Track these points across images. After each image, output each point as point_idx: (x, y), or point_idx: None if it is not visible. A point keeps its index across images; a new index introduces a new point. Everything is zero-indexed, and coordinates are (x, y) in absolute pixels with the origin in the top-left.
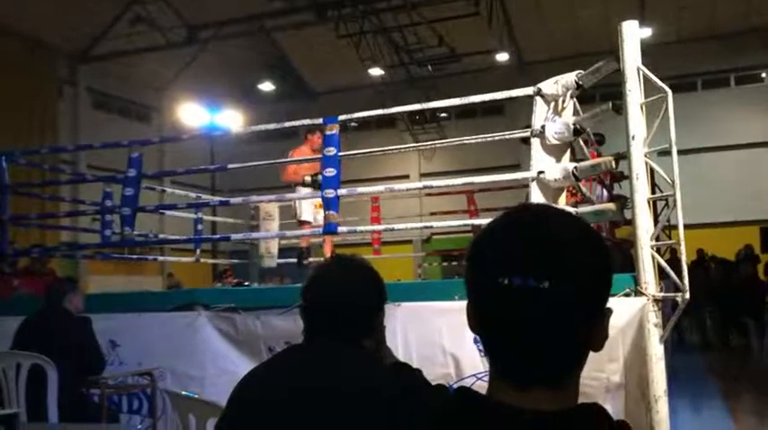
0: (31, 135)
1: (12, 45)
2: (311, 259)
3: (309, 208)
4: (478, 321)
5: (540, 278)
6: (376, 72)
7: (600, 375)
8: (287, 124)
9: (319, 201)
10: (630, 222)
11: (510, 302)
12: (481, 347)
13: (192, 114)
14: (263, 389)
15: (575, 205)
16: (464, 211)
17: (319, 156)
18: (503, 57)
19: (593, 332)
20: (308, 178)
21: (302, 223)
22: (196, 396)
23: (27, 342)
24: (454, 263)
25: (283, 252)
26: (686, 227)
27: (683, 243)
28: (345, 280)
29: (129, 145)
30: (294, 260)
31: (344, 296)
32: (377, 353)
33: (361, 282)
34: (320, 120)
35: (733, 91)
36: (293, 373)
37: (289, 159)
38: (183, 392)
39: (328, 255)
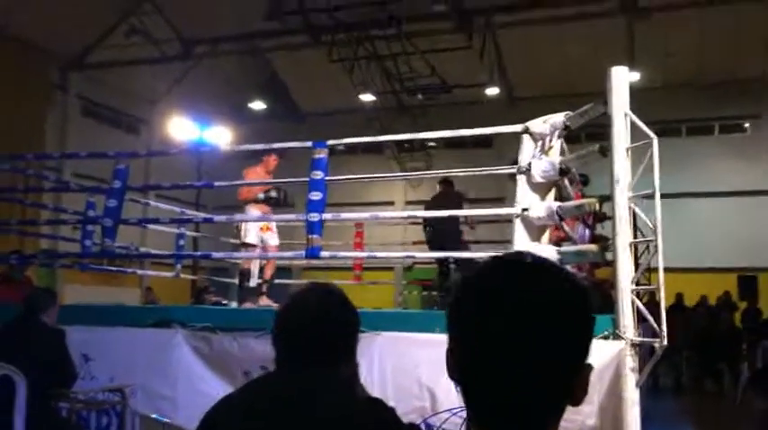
0: (17, 139)
1: (4, 48)
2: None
3: (255, 230)
4: (459, 365)
5: (527, 319)
6: (367, 98)
7: (575, 417)
8: (276, 145)
9: (266, 223)
10: (611, 264)
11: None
12: None
13: (181, 128)
14: (237, 417)
15: (558, 243)
16: None
17: (271, 180)
18: (493, 91)
19: (574, 383)
20: (261, 195)
21: (246, 245)
22: (167, 421)
23: None
24: (434, 292)
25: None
26: (665, 270)
27: (662, 289)
28: (322, 307)
29: (115, 156)
30: (276, 281)
31: (321, 323)
32: (353, 381)
33: (338, 310)
34: (309, 144)
35: (716, 139)
36: (269, 402)
37: (258, 181)
38: (154, 415)
39: (268, 276)
